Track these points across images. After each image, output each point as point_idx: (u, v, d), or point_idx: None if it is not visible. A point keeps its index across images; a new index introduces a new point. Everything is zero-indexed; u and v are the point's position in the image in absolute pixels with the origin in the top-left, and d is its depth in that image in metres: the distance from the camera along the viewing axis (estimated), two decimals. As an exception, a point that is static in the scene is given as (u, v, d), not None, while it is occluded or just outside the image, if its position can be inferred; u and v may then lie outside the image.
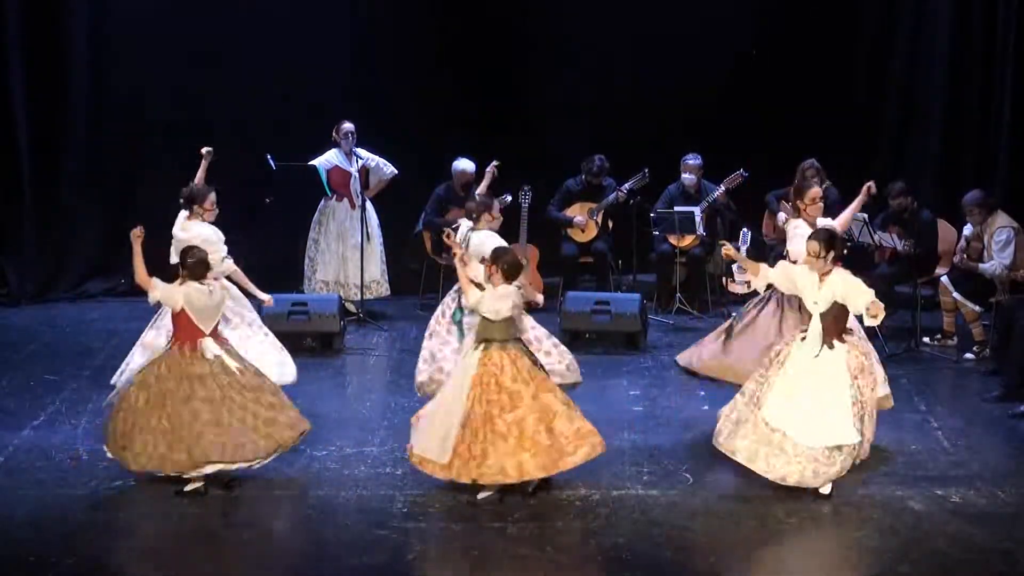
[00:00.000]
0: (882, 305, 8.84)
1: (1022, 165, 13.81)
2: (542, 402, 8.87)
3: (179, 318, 9.11)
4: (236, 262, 10.71)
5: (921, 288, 12.61)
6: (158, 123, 14.36)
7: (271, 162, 13.19)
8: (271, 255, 13.78)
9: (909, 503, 8.94)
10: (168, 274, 9.40)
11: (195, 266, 9.13)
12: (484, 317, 8.91)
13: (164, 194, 13.17)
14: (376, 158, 13.66)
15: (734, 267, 13.57)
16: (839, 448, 8.79)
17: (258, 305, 10.93)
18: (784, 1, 14.41)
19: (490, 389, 8.83)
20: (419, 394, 10.32)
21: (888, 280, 12.55)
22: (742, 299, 12.37)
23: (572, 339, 12.66)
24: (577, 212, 13.86)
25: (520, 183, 13.29)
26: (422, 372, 10.30)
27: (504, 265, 8.96)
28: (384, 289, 13.78)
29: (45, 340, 12.95)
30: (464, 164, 13.68)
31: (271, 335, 10.79)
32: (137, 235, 9.22)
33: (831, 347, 8.90)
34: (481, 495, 8.94)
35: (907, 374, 11.62)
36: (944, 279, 12.38)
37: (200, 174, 11.13)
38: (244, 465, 9.05)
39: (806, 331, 9.03)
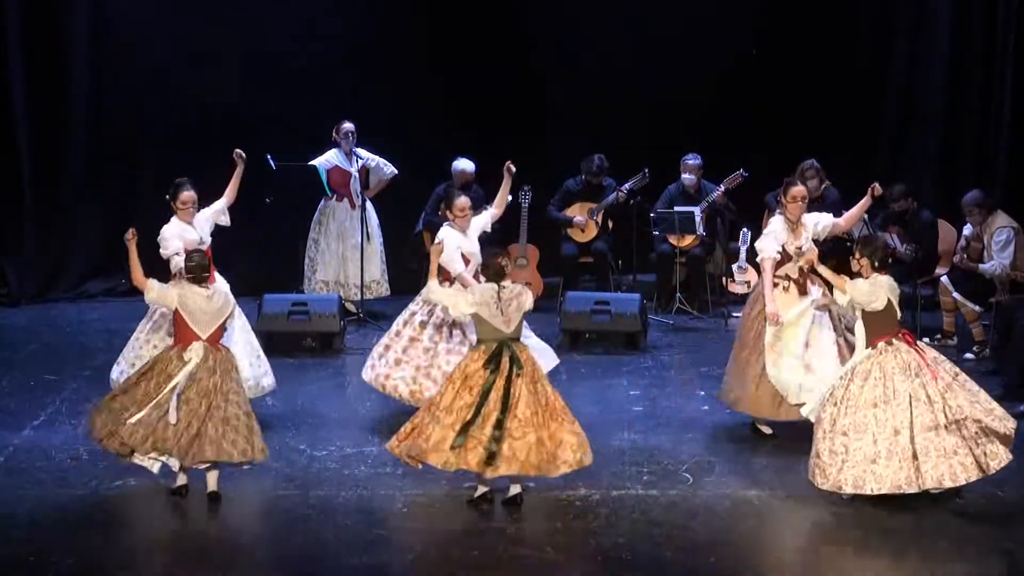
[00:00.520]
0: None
1: (1022, 165, 13.82)
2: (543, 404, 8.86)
3: (176, 319, 9.10)
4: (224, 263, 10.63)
5: (921, 288, 12.61)
6: (158, 123, 14.37)
7: (271, 162, 13.19)
8: (271, 255, 13.78)
9: (909, 503, 8.93)
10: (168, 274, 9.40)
11: (194, 269, 9.11)
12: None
13: (164, 194, 13.17)
14: (376, 158, 13.67)
15: (734, 267, 13.65)
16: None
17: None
18: (784, 1, 14.40)
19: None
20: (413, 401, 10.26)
21: (888, 280, 12.54)
22: (742, 299, 12.40)
23: (572, 339, 12.69)
24: (577, 212, 13.86)
25: (520, 183, 13.29)
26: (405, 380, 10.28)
27: (482, 266, 9.05)
28: (384, 289, 13.78)
29: (45, 340, 12.95)
30: (464, 164, 13.67)
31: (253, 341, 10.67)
32: (130, 237, 9.21)
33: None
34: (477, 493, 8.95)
35: (907, 374, 11.60)
36: (944, 279, 12.38)
37: (233, 182, 10.80)
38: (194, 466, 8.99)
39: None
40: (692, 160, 13.78)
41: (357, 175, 13.53)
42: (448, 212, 10.41)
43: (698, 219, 13.28)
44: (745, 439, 10.21)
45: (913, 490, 8.70)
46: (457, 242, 10.19)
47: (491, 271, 8.96)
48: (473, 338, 9.29)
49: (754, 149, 13.60)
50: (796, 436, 10.20)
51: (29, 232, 14.33)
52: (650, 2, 14.45)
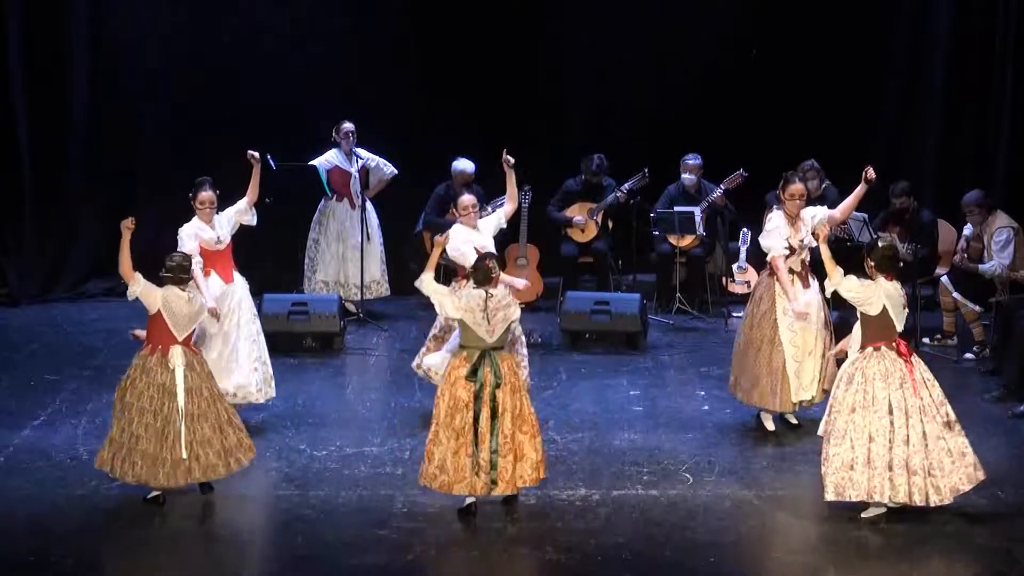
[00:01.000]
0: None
1: (1022, 165, 13.82)
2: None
3: (154, 321, 9.01)
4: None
5: (921, 288, 12.61)
6: (157, 124, 14.36)
7: (271, 162, 13.19)
8: (271, 255, 13.78)
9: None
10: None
11: (173, 270, 9.03)
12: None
13: (164, 195, 13.21)
14: (376, 158, 13.67)
15: (734, 267, 13.65)
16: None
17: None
18: (784, 1, 14.40)
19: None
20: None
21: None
22: (742, 299, 12.41)
23: (572, 339, 12.69)
24: (577, 212, 13.85)
25: (520, 183, 13.27)
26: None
27: (472, 268, 9.02)
28: (384, 289, 13.78)
29: (45, 340, 12.94)
30: (464, 164, 13.67)
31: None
32: (128, 226, 9.16)
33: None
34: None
35: (907, 374, 11.59)
36: (944, 279, 12.38)
37: (252, 181, 10.70)
38: (166, 486, 8.94)
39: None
40: (692, 160, 13.77)
41: (357, 175, 13.53)
42: (455, 210, 10.42)
43: (698, 219, 13.28)
44: (745, 439, 10.21)
45: (884, 500, 8.63)
46: (466, 236, 10.16)
47: (479, 274, 8.86)
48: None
49: (754, 149, 13.59)
50: (796, 436, 10.23)
51: (29, 232, 14.31)
52: (650, 2, 14.45)
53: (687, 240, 13.63)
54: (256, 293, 12.62)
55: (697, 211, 13.32)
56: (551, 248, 13.85)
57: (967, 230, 12.39)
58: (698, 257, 13.76)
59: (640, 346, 12.58)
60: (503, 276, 9.56)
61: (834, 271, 8.87)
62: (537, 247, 13.69)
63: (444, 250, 9.51)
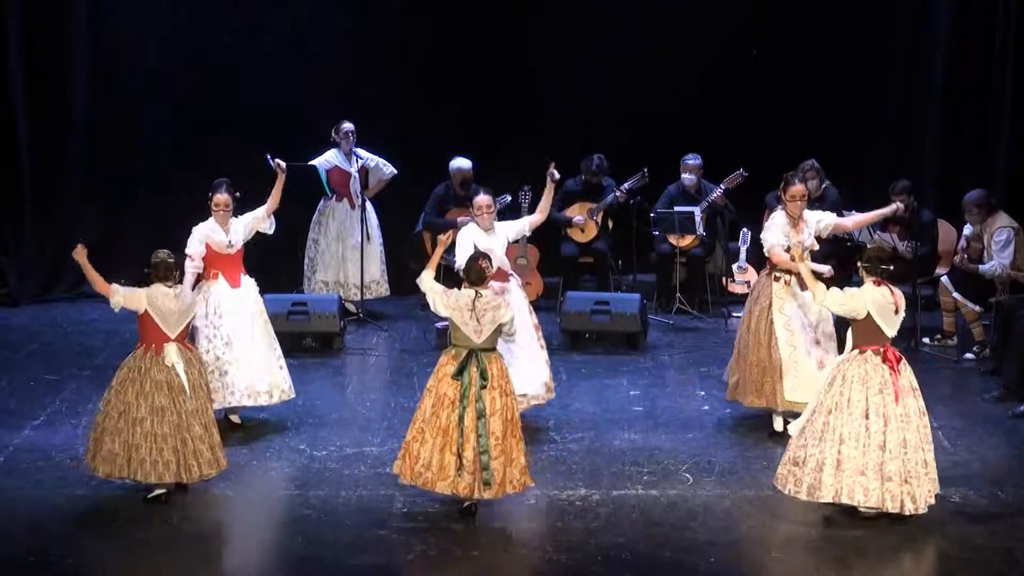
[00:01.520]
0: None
1: (1022, 165, 13.82)
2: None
3: (143, 320, 9.05)
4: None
5: (921, 288, 12.61)
6: (158, 124, 14.35)
7: (271, 162, 13.18)
8: (271, 255, 13.77)
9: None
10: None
11: (156, 267, 9.04)
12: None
13: (164, 195, 13.21)
14: (375, 158, 13.67)
15: (734, 267, 13.65)
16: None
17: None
18: (785, 2, 14.40)
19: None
20: None
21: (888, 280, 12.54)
22: (742, 299, 12.40)
23: (572, 339, 12.69)
24: (577, 212, 13.86)
25: (520, 183, 13.29)
26: None
27: (464, 269, 9.03)
28: (384, 289, 13.78)
29: (45, 340, 12.95)
30: (461, 162, 13.68)
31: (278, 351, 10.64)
32: (79, 252, 9.18)
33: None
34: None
35: (907, 374, 11.59)
36: (944, 279, 12.38)
37: (275, 190, 10.71)
38: (155, 481, 8.94)
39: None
40: (692, 160, 13.78)
41: (357, 175, 13.53)
42: (471, 209, 10.41)
43: (698, 219, 13.28)
44: (745, 439, 10.21)
45: (855, 503, 8.61)
46: (474, 237, 10.15)
47: (472, 274, 8.86)
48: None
49: (754, 149, 13.59)
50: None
51: (29, 232, 14.32)
52: (650, 2, 14.45)
53: (687, 240, 13.64)
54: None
55: (697, 211, 13.32)
56: (551, 248, 13.85)
57: (967, 230, 12.40)
58: (698, 257, 13.77)
59: (640, 346, 12.58)
60: (536, 217, 10.05)
61: (816, 287, 8.87)
62: (537, 247, 13.68)
63: (449, 254, 9.57)
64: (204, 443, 8.95)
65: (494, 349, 8.81)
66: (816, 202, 13.19)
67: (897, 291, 8.75)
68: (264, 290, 12.64)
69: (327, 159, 13.55)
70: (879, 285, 8.71)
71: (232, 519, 8.90)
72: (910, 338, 12.42)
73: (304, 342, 12.56)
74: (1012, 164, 13.86)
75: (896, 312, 8.68)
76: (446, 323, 9.32)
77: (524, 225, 10.54)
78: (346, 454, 9.92)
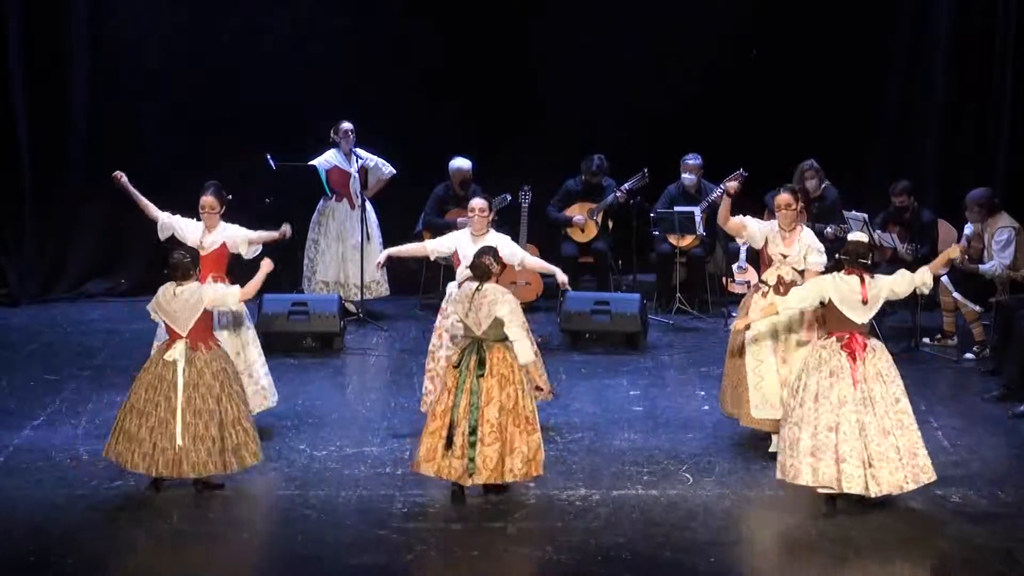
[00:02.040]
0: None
1: (1022, 165, 13.82)
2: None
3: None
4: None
5: (921, 288, 12.59)
6: (158, 124, 14.36)
7: (271, 162, 13.20)
8: (271, 255, 13.75)
9: (909, 503, 8.94)
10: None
11: (174, 268, 9.09)
12: None
13: (164, 195, 13.15)
14: (375, 158, 13.67)
15: (734, 267, 13.65)
16: None
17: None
18: (785, 2, 14.40)
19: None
20: None
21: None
22: (741, 299, 12.38)
23: (572, 339, 12.70)
24: (577, 212, 13.86)
25: (520, 183, 13.29)
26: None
27: (470, 264, 9.12)
28: (384, 289, 13.78)
29: (45, 340, 12.95)
30: (460, 162, 13.68)
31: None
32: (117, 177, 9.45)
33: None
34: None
35: (907, 374, 11.50)
36: (944, 279, 12.37)
37: (268, 239, 10.57)
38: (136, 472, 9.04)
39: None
40: (692, 160, 13.78)
41: (356, 175, 13.53)
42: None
43: (698, 219, 13.28)
44: (745, 439, 10.20)
45: (806, 483, 8.72)
46: (459, 239, 10.19)
47: (477, 270, 9.00)
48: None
49: (754, 149, 13.59)
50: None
51: (29, 232, 14.33)
52: (650, 2, 14.45)
53: (687, 240, 13.64)
54: (256, 293, 12.65)
55: (697, 211, 13.33)
56: (551, 248, 13.84)
57: (967, 230, 12.40)
58: (698, 257, 13.77)
59: (640, 346, 12.58)
60: (533, 261, 10.16)
61: (775, 305, 9.06)
62: (537, 247, 13.67)
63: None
64: (202, 443, 8.93)
65: (502, 340, 8.89)
66: (816, 202, 13.21)
67: (873, 283, 8.79)
68: (264, 290, 12.70)
69: (327, 159, 13.55)
70: (849, 275, 8.81)
71: (232, 519, 8.89)
72: (910, 338, 12.44)
73: (304, 342, 12.56)
74: (1012, 164, 13.86)
75: (864, 303, 8.74)
76: None
77: (515, 257, 10.27)
78: (346, 454, 9.92)
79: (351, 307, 13.45)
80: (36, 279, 14.38)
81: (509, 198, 13.01)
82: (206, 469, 8.97)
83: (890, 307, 12.57)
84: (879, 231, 12.46)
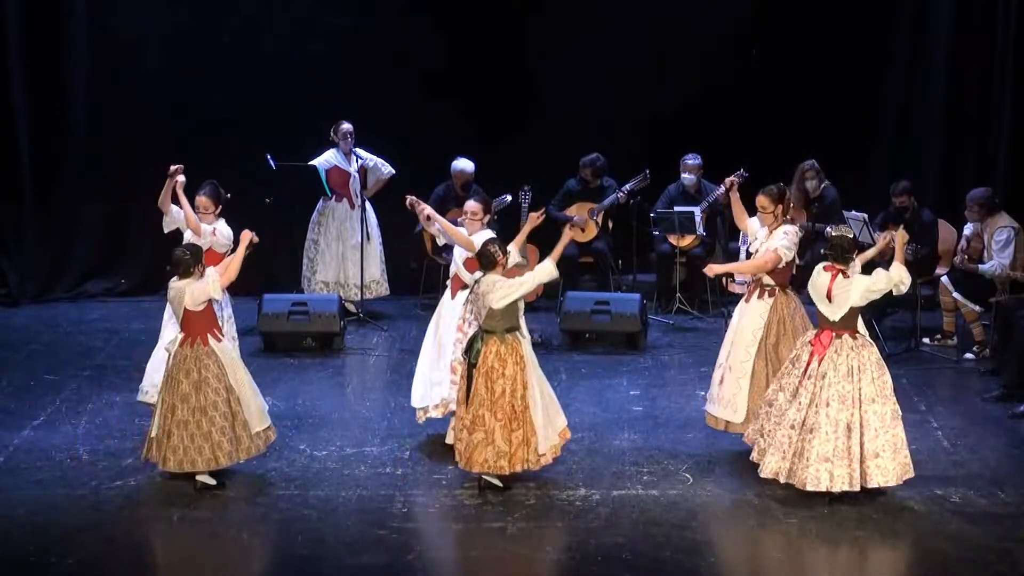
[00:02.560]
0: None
1: (1022, 166, 13.81)
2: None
3: None
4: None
5: (921, 288, 12.60)
6: (157, 123, 14.35)
7: (271, 162, 13.20)
8: (271, 255, 13.77)
9: (909, 503, 8.94)
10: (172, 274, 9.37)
11: (176, 265, 9.22)
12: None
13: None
14: (374, 158, 13.66)
15: (735, 267, 13.60)
16: None
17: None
18: (785, 2, 14.40)
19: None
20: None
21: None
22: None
23: (572, 339, 12.69)
24: (576, 212, 13.86)
25: (520, 183, 13.29)
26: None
27: (477, 254, 9.34)
28: (384, 289, 13.78)
29: (45, 340, 12.94)
30: (463, 164, 13.67)
31: None
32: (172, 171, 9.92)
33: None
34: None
35: (907, 374, 11.61)
36: (944, 279, 12.38)
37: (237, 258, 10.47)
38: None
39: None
40: (692, 160, 13.78)
41: (356, 175, 13.53)
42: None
43: (698, 219, 13.28)
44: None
45: (762, 473, 8.95)
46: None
47: (483, 260, 9.18)
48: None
49: (754, 149, 13.58)
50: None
51: (29, 232, 14.32)
52: (650, 2, 14.45)
53: (687, 240, 13.64)
54: (256, 293, 12.68)
55: (697, 211, 13.32)
56: (551, 248, 13.79)
57: (967, 230, 12.40)
58: (698, 257, 13.76)
59: (640, 346, 12.58)
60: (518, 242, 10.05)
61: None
62: (537, 247, 13.67)
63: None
64: (182, 433, 8.98)
65: (509, 331, 9.08)
66: (815, 202, 13.22)
67: (845, 282, 8.87)
68: (265, 290, 12.72)
69: (326, 159, 13.55)
70: (827, 271, 8.94)
71: (232, 519, 8.89)
72: (910, 338, 12.43)
73: (304, 342, 12.56)
74: (1012, 165, 13.85)
75: (829, 299, 8.88)
76: None
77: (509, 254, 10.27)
78: (346, 454, 9.92)
79: (351, 307, 13.44)
80: (36, 279, 14.38)
81: (509, 198, 13.00)
82: (166, 464, 9.06)
83: (890, 307, 12.58)
84: (879, 231, 12.45)
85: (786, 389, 9.00)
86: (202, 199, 10.29)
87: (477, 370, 8.99)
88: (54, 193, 14.34)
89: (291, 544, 8.52)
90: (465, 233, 9.96)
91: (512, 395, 8.95)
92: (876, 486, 8.82)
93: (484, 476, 9.08)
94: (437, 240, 10.54)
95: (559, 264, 9.63)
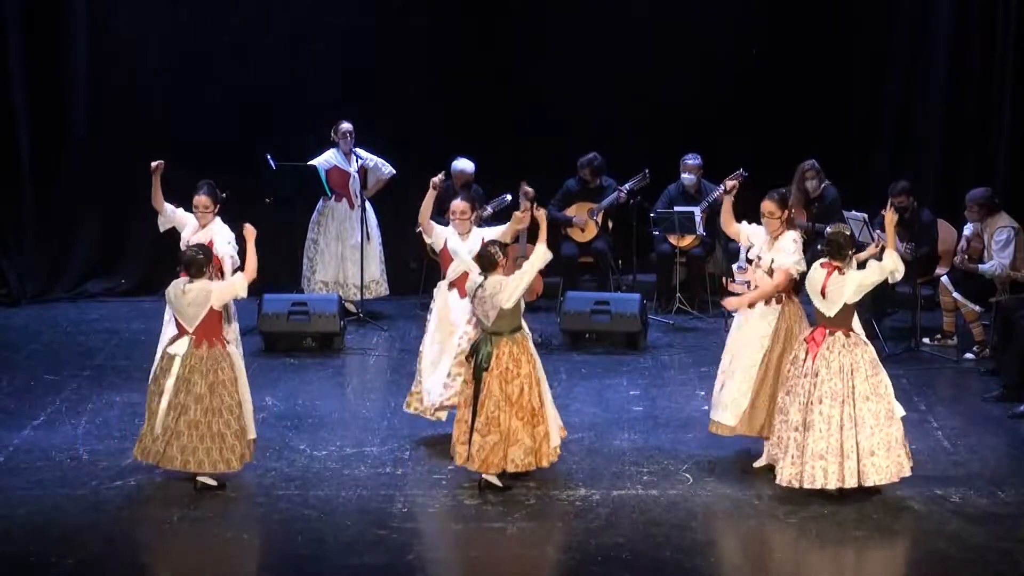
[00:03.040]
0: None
1: (1022, 165, 13.81)
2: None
3: None
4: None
5: (921, 288, 12.61)
6: (157, 123, 14.34)
7: (271, 162, 13.20)
8: (271, 255, 13.76)
9: (909, 503, 8.95)
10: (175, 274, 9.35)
11: (183, 263, 9.19)
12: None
13: (164, 194, 13.14)
14: (374, 158, 13.66)
15: (734, 267, 13.61)
16: None
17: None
18: (785, 2, 14.40)
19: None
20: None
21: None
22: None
23: (572, 339, 12.69)
24: (576, 212, 13.85)
25: (520, 183, 13.27)
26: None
27: (477, 255, 9.35)
28: (384, 289, 13.78)
29: (45, 340, 12.94)
30: (463, 164, 13.67)
31: None
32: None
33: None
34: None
35: (907, 374, 11.61)
36: (944, 279, 12.37)
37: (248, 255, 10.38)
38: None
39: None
40: (692, 160, 13.77)
41: (356, 175, 13.53)
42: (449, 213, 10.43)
43: (698, 219, 13.28)
44: (745, 439, 10.19)
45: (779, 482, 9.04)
46: (449, 234, 10.24)
47: (483, 260, 9.19)
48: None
49: (754, 149, 13.59)
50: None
51: (29, 232, 14.32)
52: (650, 2, 14.45)
53: (687, 240, 13.64)
54: (256, 293, 12.67)
55: (697, 211, 13.32)
56: (551, 248, 13.71)
57: (967, 230, 12.40)
58: (698, 257, 13.77)
59: (640, 346, 12.58)
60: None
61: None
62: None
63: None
64: (184, 438, 8.98)
65: (515, 331, 9.12)
66: (816, 202, 13.22)
67: (839, 279, 8.91)
68: (265, 290, 12.71)
69: (326, 159, 13.55)
70: (823, 267, 8.99)
71: (233, 519, 8.89)
72: (910, 338, 12.43)
73: (304, 342, 12.56)
74: (1012, 164, 13.85)
75: (822, 296, 8.95)
76: None
77: (501, 231, 10.18)
78: (346, 454, 9.92)
79: (351, 307, 13.44)
80: (36, 279, 14.37)
81: (509, 198, 12.99)
82: (173, 464, 9.05)
83: (890, 307, 12.59)
84: (879, 231, 12.44)
85: (791, 392, 9.01)
86: (201, 199, 10.29)
87: (489, 373, 8.98)
88: (54, 193, 14.33)
89: (291, 544, 8.52)
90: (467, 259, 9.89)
91: (530, 393, 9.05)
92: (872, 484, 8.83)
93: (484, 476, 9.08)
94: (435, 246, 10.48)
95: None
